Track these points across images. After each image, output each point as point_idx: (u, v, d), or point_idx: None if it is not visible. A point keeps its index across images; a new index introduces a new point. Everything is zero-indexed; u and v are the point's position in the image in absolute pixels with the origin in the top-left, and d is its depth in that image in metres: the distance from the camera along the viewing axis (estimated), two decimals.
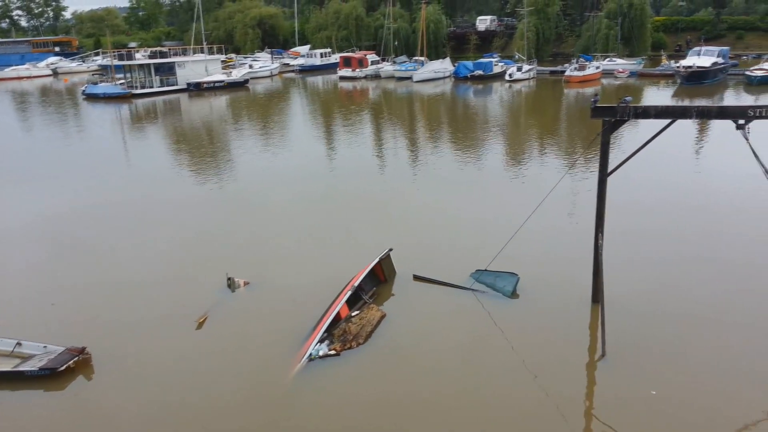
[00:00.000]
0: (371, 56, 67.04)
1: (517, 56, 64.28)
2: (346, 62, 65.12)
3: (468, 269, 13.69)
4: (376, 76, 63.68)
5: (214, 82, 56.17)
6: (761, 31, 73.59)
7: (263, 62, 71.30)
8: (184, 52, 60.60)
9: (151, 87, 53.60)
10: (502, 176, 23.24)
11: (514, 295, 12.78)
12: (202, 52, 63.27)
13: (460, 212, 18.31)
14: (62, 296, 13.49)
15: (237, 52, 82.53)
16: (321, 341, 10.92)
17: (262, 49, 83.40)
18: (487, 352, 10.79)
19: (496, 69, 59.42)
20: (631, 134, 26.22)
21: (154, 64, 54.46)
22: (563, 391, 9.68)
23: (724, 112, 11.07)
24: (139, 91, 52.48)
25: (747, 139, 10.42)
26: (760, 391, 9.42)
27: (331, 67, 70.17)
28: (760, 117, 10.22)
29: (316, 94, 57.00)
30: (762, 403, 9.13)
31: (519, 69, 57.78)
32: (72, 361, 10.43)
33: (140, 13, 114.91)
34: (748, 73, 49.38)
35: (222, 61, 64.34)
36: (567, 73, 54.57)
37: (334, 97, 53.57)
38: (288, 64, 75.39)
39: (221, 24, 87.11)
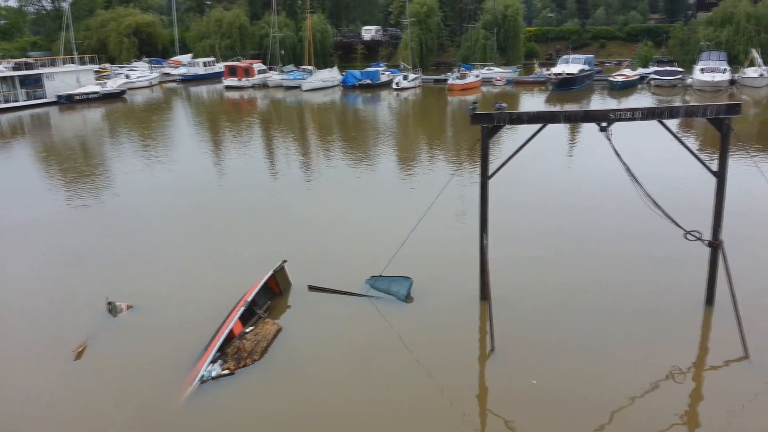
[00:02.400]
0: (258, 65, 65.93)
1: (402, 65, 65.90)
2: (232, 71, 63.56)
3: (363, 276, 13.79)
4: (264, 86, 62.70)
5: (88, 93, 52.69)
6: (621, 40, 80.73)
7: (141, 72, 67.88)
8: (53, 63, 56.44)
9: (17, 101, 49.32)
10: (394, 182, 23.66)
11: (408, 298, 13.04)
12: (73, 62, 59.16)
13: (354, 220, 18.43)
14: None
15: (112, 61, 77.89)
16: (213, 361, 10.52)
17: (139, 59, 79.30)
18: (384, 356, 10.92)
19: (383, 78, 60.63)
20: (512, 138, 27.67)
21: (19, 76, 50.17)
22: (457, 386, 10.02)
23: (588, 116, 11.96)
24: (2, 105, 48.08)
25: (609, 140, 11.34)
26: (626, 373, 10.19)
27: (215, 77, 68.16)
28: (620, 119, 11.15)
29: (201, 104, 55.11)
30: (627, 385, 9.87)
31: (405, 78, 59.28)
32: None
33: (1, 22, 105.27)
34: (610, 78, 53.91)
35: (95, 72, 60.52)
36: (449, 82, 56.71)
37: (220, 108, 52.04)
38: (169, 73, 72.29)
39: (93, 33, 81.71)
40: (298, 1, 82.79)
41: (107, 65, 73.11)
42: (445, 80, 58.70)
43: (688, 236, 11.65)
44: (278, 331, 11.56)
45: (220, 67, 69.23)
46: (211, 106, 53.95)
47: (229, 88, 62.03)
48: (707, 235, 11.69)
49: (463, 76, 57.19)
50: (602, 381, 10.03)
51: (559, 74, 51.64)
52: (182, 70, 71.67)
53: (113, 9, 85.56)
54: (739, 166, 21.13)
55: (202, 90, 63.28)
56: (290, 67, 69.21)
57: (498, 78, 59.86)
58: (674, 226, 11.69)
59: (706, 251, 11.88)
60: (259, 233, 17.49)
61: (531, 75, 62.06)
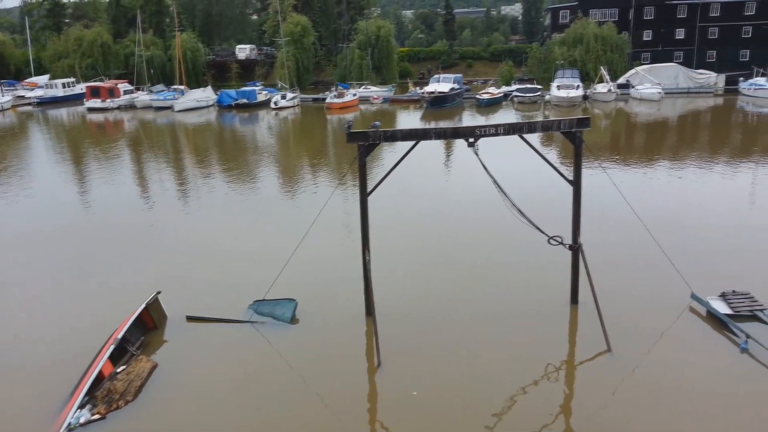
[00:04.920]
0: (123, 85, 62.52)
1: (280, 84, 65.49)
2: (94, 92, 59.67)
3: (245, 302, 13.38)
4: (131, 107, 59.56)
5: None
6: (486, 60, 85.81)
7: None
8: None
9: None
10: (276, 203, 23.31)
11: (293, 320, 12.82)
12: None
13: (235, 243, 17.85)
14: None
15: None
16: (82, 407, 9.66)
17: None
18: (270, 381, 10.64)
19: (261, 97, 59.82)
20: (393, 154, 28.32)
21: None
22: (345, 403, 10.01)
23: (457, 133, 12.55)
24: None
25: (477, 154, 11.96)
26: (506, 374, 10.71)
27: (76, 98, 63.61)
28: (485, 135, 11.79)
29: (62, 128, 51.12)
30: (507, 385, 10.35)
31: (283, 97, 58.91)
32: None
33: None
34: (478, 96, 56.99)
35: None
36: (328, 101, 57.17)
37: (83, 132, 48.52)
38: (23, 96, 66.49)
39: None
40: (166, 19, 79.77)
41: None
42: (324, 99, 59.10)
43: (551, 241, 12.50)
44: (153, 368, 10.86)
45: (81, 88, 64.79)
46: (73, 130, 50.25)
47: (92, 110, 58.16)
48: (568, 240, 12.62)
49: (340, 95, 57.91)
50: (485, 383, 10.42)
51: (432, 93, 53.82)
52: (38, 93, 66.21)
53: None
54: (594, 174, 23.08)
55: (62, 113, 58.84)
56: (160, 86, 66.37)
57: (375, 97, 61.22)
58: (540, 233, 12.49)
59: (569, 254, 12.81)
60: (131, 263, 16.44)
61: (406, 93, 64.13)
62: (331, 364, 11.14)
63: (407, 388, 10.29)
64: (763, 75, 60.19)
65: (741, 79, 60.86)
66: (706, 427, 9.19)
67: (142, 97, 61.17)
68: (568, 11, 77.28)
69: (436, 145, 32.06)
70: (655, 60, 69.53)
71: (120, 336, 11.27)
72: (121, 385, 10.14)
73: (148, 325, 12.52)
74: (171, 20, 73.80)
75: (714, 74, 63.11)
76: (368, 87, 64.30)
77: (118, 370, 10.63)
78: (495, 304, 13.45)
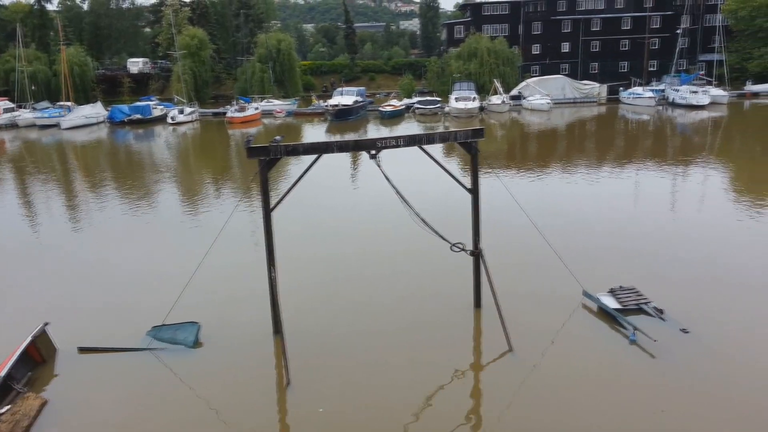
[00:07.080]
0: (3, 103, 58.10)
1: (176, 99, 63.32)
2: None
3: (144, 328, 12.71)
4: (13, 126, 55.42)
5: None
6: (387, 73, 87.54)
7: None
8: None
9: None
10: (176, 222, 22.36)
11: (197, 344, 12.33)
12: None
13: (131, 266, 16.94)
14: None
15: None
16: None
17: None
18: (173, 410, 10.15)
19: (156, 112, 57.69)
20: (299, 169, 28.10)
21: None
22: (254, 426, 9.70)
23: (358, 145, 12.64)
24: None
25: (379, 166, 12.10)
26: (415, 381, 10.84)
27: None
28: (386, 147, 11.97)
29: None
30: (417, 391, 10.48)
31: (181, 111, 57.02)
32: None
33: None
34: (381, 109, 57.98)
35: None
36: (228, 115, 55.98)
37: None
38: None
39: None
40: (50, 33, 75.06)
41: None
42: (224, 113, 57.76)
43: (454, 248, 12.87)
44: (42, 405, 10.05)
45: None
46: None
47: None
48: (470, 246, 13.04)
49: (242, 109, 56.87)
50: (393, 393, 10.48)
51: (336, 105, 54.12)
52: None
53: None
54: (492, 182, 24.04)
55: None
56: (44, 103, 62.27)
57: (278, 110, 60.65)
58: (443, 240, 12.81)
59: (471, 260, 13.23)
60: (14, 292, 15.20)
61: (310, 107, 64.05)
62: (238, 388, 10.79)
63: (316, 405, 10.18)
64: (640, 85, 65.55)
65: (621, 88, 66.00)
66: (602, 416, 9.74)
67: (25, 115, 57.30)
68: (462, 26, 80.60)
69: (343, 158, 32.18)
70: (543, 72, 73.90)
71: (3, 373, 10.36)
72: (6, 426, 9.30)
73: (36, 359, 11.58)
74: (56, 33, 69.68)
75: (597, 85, 68.00)
76: (271, 101, 63.65)
77: (2, 410, 9.75)
78: (401, 313, 13.61)
